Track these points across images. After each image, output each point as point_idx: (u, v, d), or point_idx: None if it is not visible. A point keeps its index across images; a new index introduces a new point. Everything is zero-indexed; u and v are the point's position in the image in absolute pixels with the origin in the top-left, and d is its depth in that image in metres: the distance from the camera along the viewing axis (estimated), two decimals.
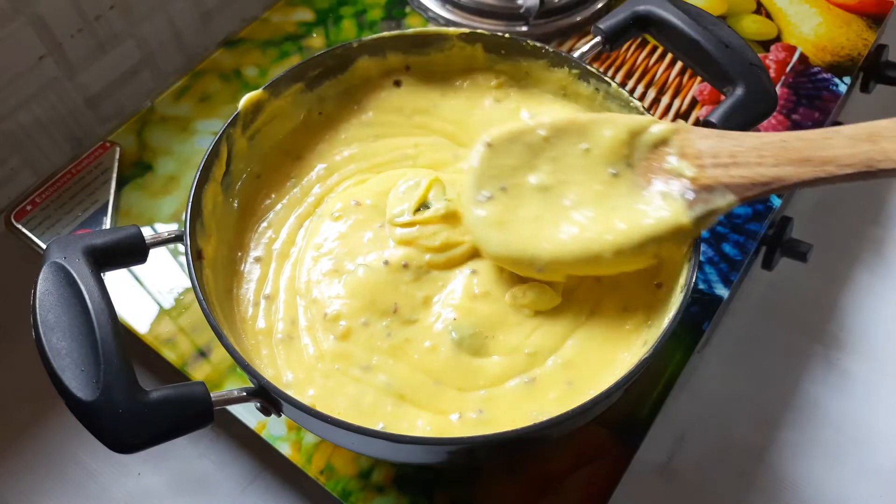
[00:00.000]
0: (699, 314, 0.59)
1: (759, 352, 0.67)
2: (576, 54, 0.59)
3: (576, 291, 0.52)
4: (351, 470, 0.53)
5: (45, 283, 0.43)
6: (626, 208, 0.49)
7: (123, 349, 0.42)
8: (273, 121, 0.59)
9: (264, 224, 0.56)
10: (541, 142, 0.51)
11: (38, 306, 0.42)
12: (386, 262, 0.52)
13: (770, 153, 0.45)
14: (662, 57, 0.74)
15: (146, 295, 0.61)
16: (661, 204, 0.48)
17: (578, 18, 0.76)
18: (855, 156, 0.43)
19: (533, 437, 0.44)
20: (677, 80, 0.73)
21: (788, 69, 0.73)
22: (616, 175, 0.49)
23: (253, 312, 0.52)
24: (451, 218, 0.53)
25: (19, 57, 0.66)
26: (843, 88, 0.72)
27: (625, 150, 0.50)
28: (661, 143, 0.49)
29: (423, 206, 0.54)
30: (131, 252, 0.48)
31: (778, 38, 0.76)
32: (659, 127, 0.50)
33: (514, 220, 0.50)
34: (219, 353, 0.58)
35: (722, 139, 0.48)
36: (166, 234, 0.50)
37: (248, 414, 0.55)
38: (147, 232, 0.49)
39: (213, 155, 0.54)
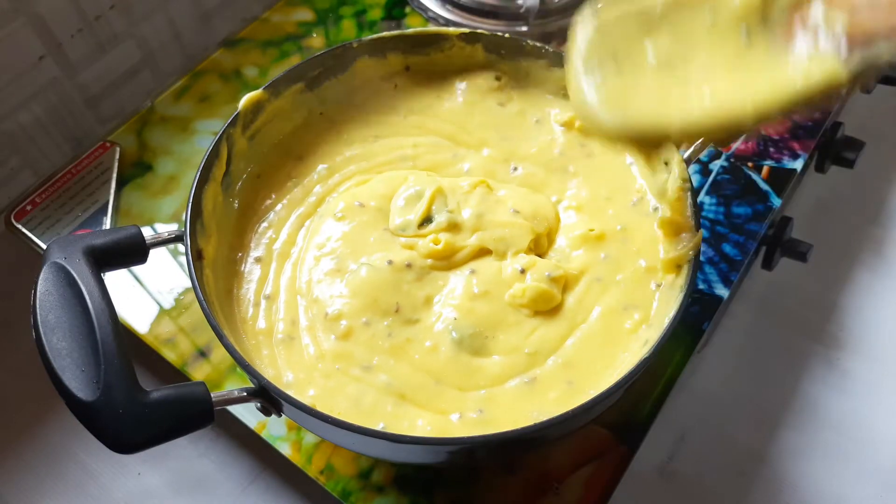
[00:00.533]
0: (699, 314, 0.59)
1: (759, 352, 0.67)
2: None
3: (576, 291, 0.52)
4: (351, 470, 0.53)
5: (45, 284, 0.43)
6: (768, 69, 0.43)
7: (124, 349, 0.42)
8: (273, 121, 0.59)
9: (265, 224, 0.56)
10: (657, 20, 0.46)
11: (38, 306, 0.42)
12: (390, 262, 0.52)
13: None
14: None
15: (146, 295, 0.61)
16: (810, 60, 0.41)
17: None
18: None
19: (533, 437, 0.44)
20: None
21: None
22: (751, 36, 0.43)
23: (253, 313, 0.52)
24: (453, 228, 0.53)
25: (19, 57, 0.66)
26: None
27: (759, 6, 0.43)
28: None
29: (427, 219, 0.54)
30: (131, 252, 0.48)
31: None
32: None
33: (633, 94, 0.45)
34: (219, 353, 0.58)
35: None
36: (166, 234, 0.50)
37: (248, 414, 0.55)
38: (147, 232, 0.49)
39: (214, 155, 0.54)
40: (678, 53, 0.45)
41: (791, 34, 0.43)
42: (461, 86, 0.63)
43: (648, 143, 0.46)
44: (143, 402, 0.41)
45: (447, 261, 0.53)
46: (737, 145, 0.68)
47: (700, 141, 0.46)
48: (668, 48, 0.45)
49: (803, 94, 0.41)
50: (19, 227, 0.64)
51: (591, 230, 0.54)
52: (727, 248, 0.62)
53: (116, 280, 0.61)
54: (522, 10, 0.75)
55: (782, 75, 0.42)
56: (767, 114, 0.42)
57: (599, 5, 0.47)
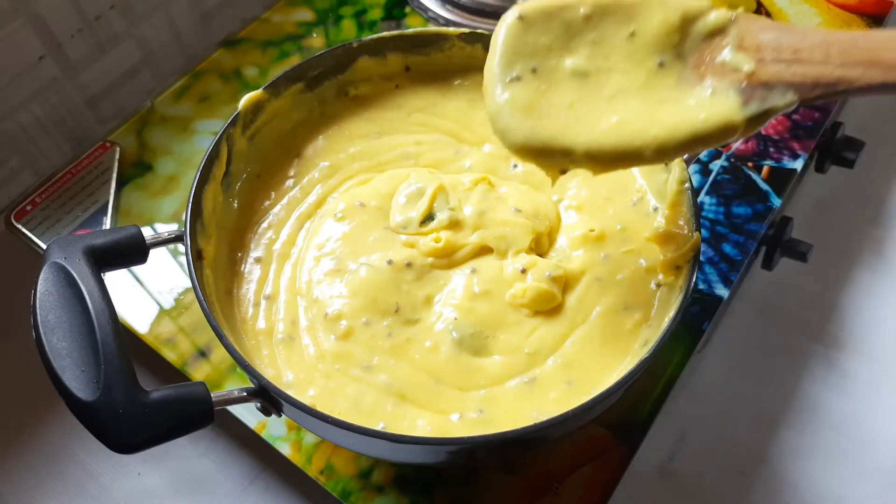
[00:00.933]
0: (699, 314, 0.59)
1: (759, 352, 0.67)
2: None
3: (576, 291, 0.52)
4: (351, 470, 0.53)
5: (45, 284, 0.43)
6: (673, 102, 0.44)
7: (124, 349, 0.42)
8: (273, 121, 0.59)
9: (264, 224, 0.56)
10: (581, 21, 0.46)
11: (38, 307, 0.42)
12: (390, 262, 0.52)
13: (837, 52, 0.41)
14: None
15: (146, 295, 0.61)
16: (712, 99, 0.43)
17: None
18: None
19: (533, 437, 0.44)
20: None
21: None
22: (663, 66, 0.45)
23: (253, 313, 0.52)
24: (455, 225, 0.53)
25: (19, 57, 0.66)
26: None
27: (675, 36, 0.45)
28: (718, 32, 0.44)
29: (428, 216, 0.54)
30: (131, 252, 0.48)
31: None
32: (716, 14, 0.45)
33: (546, 106, 0.45)
34: (219, 353, 0.58)
35: (785, 32, 0.43)
36: (166, 234, 0.50)
37: (248, 414, 0.55)
38: (147, 232, 0.49)
39: (214, 155, 0.54)
40: (595, 64, 0.46)
41: (701, 69, 0.44)
42: (463, 84, 0.63)
43: (551, 161, 0.45)
44: (143, 402, 0.41)
45: (448, 259, 0.53)
46: (737, 145, 0.68)
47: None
48: (587, 56, 0.46)
49: (701, 133, 0.43)
50: (19, 227, 0.64)
51: (592, 230, 0.54)
52: (727, 248, 0.62)
53: (116, 280, 0.61)
54: None
55: (685, 112, 0.44)
56: (666, 150, 0.43)
57: (525, 2, 0.47)
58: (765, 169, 0.66)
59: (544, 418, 0.43)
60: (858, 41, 0.41)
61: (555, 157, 0.45)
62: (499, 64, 0.46)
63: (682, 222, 0.53)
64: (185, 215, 0.50)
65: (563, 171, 0.46)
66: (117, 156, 0.68)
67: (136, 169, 0.67)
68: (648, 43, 0.46)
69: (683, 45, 0.45)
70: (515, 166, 0.58)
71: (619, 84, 0.45)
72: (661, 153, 0.44)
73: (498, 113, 0.46)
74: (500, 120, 0.46)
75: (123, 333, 0.43)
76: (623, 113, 0.44)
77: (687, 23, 0.45)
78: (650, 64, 0.45)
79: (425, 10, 0.78)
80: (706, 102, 0.43)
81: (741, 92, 0.43)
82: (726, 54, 0.44)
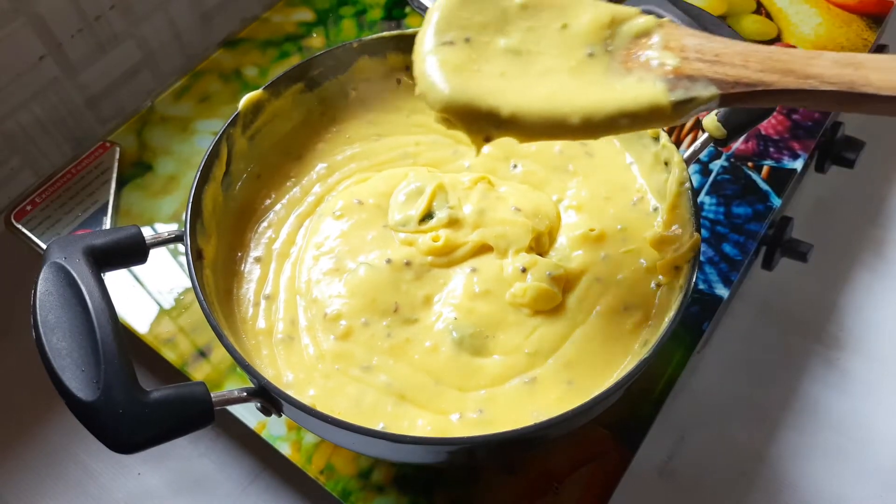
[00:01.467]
0: (699, 314, 0.59)
1: (759, 352, 0.67)
2: None
3: (576, 291, 0.52)
4: (351, 470, 0.53)
5: (45, 284, 0.43)
6: (602, 84, 0.46)
7: (124, 349, 0.42)
8: (273, 121, 0.59)
9: (264, 224, 0.56)
10: (517, 9, 0.48)
11: (38, 306, 0.42)
12: (389, 261, 0.52)
13: (756, 60, 0.44)
14: None
15: (146, 295, 0.61)
16: (639, 84, 0.45)
17: None
18: (838, 76, 0.42)
19: (533, 437, 0.44)
20: None
21: None
22: (593, 56, 0.47)
23: (253, 312, 0.52)
24: (454, 224, 0.53)
25: (19, 57, 0.66)
26: None
27: (605, 32, 0.47)
28: (644, 34, 0.47)
29: (427, 215, 0.54)
30: (131, 252, 0.48)
31: (778, 38, 0.76)
32: (644, 19, 0.47)
33: (476, 70, 0.46)
34: (219, 353, 0.58)
35: (709, 40, 0.46)
36: (166, 234, 0.50)
37: (248, 414, 0.55)
38: (147, 232, 0.49)
39: (213, 155, 0.54)
40: (527, 47, 0.47)
41: (628, 64, 0.46)
42: None
43: (474, 124, 0.45)
44: (143, 402, 0.41)
45: (447, 258, 0.53)
46: (737, 145, 0.68)
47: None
48: (519, 39, 0.47)
49: (629, 110, 0.44)
50: (19, 227, 0.64)
51: (592, 230, 0.54)
52: (727, 248, 0.62)
53: (116, 280, 0.61)
54: None
55: (614, 90, 0.45)
56: (593, 122, 0.44)
57: None
58: (765, 169, 0.66)
59: (544, 418, 0.43)
60: (775, 54, 0.44)
61: (479, 120, 0.45)
62: (433, 29, 0.47)
63: (681, 223, 0.53)
64: (185, 215, 0.50)
65: (487, 139, 0.46)
66: (117, 156, 0.68)
67: (136, 169, 0.67)
68: (579, 35, 0.47)
69: (612, 41, 0.47)
70: (515, 166, 0.58)
71: (551, 64, 0.46)
72: (587, 124, 0.44)
73: (426, 69, 0.46)
74: (428, 75, 0.46)
75: (123, 333, 0.43)
76: (553, 86, 0.45)
77: (616, 23, 0.47)
78: (580, 53, 0.47)
79: (425, 10, 0.78)
80: (634, 86, 0.45)
81: (667, 81, 0.44)
82: (652, 52, 0.46)
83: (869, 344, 0.67)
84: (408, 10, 0.79)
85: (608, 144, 0.59)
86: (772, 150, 0.68)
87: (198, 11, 0.79)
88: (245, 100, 0.56)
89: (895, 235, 0.74)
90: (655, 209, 0.55)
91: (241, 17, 0.82)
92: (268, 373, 0.49)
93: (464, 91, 0.45)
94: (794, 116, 0.70)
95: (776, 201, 0.65)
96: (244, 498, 0.60)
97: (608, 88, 0.45)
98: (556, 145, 0.59)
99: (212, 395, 0.43)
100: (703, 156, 0.67)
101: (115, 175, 0.67)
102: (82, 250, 0.45)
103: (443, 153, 0.59)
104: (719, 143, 0.54)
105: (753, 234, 0.63)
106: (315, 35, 0.77)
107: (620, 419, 0.54)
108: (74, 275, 0.44)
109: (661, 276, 0.52)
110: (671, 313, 0.47)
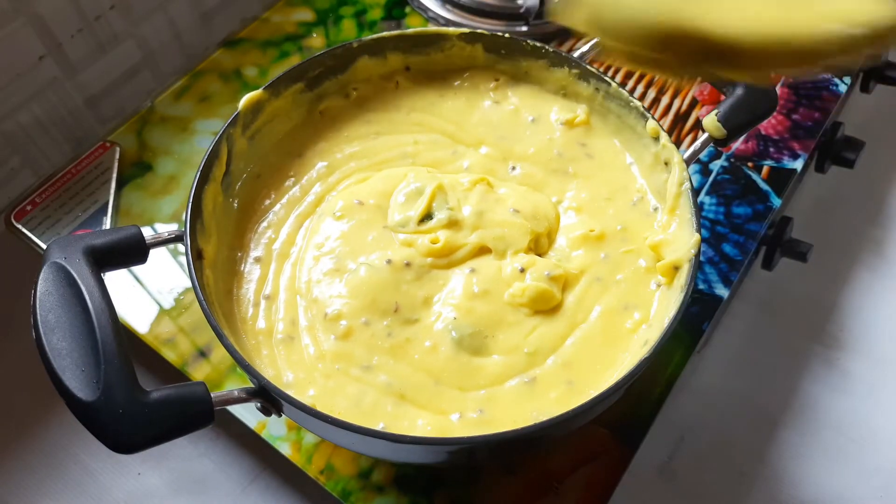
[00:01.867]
0: (699, 314, 0.59)
1: (759, 352, 0.67)
2: (576, 54, 0.59)
3: (575, 291, 0.52)
4: (351, 470, 0.53)
5: (45, 284, 0.43)
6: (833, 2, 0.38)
7: (124, 349, 0.41)
8: (273, 121, 0.59)
9: (264, 224, 0.56)
10: None
11: (38, 306, 0.42)
12: (389, 261, 0.52)
13: None
14: None
15: (146, 295, 0.61)
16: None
17: None
18: None
19: (533, 437, 0.44)
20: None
21: None
22: None
23: (253, 312, 0.52)
24: (453, 225, 0.53)
25: (19, 57, 0.66)
26: (843, 88, 0.72)
27: None
28: None
29: (427, 216, 0.54)
30: (131, 252, 0.48)
31: None
32: None
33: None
34: (219, 353, 0.58)
35: None
36: (166, 234, 0.50)
37: (248, 414, 0.55)
38: (147, 232, 0.49)
39: (213, 155, 0.54)
40: None
41: None
42: (461, 85, 0.63)
43: (675, 55, 0.37)
44: (144, 402, 0.41)
45: (447, 259, 0.53)
46: (737, 145, 0.68)
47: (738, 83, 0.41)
48: None
49: (868, 32, 0.36)
50: (19, 227, 0.64)
51: (592, 230, 0.54)
52: (727, 248, 0.62)
53: (116, 280, 0.61)
54: (522, 10, 0.75)
55: (847, 8, 0.37)
56: (830, 41, 0.36)
57: None
58: (765, 169, 0.66)
59: (544, 418, 0.43)
60: None
61: (684, 49, 0.37)
62: None
63: (681, 223, 0.53)
64: (185, 215, 0.50)
65: (692, 77, 0.40)
66: (117, 156, 0.68)
67: (136, 169, 0.67)
68: None
69: None
70: (514, 168, 0.58)
71: None
72: (820, 45, 0.36)
73: None
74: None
75: (123, 333, 0.43)
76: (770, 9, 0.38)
77: None
78: None
79: (425, 10, 0.78)
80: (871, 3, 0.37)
81: None
82: None
83: (869, 344, 0.67)
84: (408, 10, 0.79)
85: (608, 145, 0.59)
86: (772, 150, 0.68)
87: (198, 11, 0.79)
88: (245, 100, 0.56)
89: (895, 235, 0.74)
90: (655, 209, 0.55)
91: (241, 17, 0.82)
92: (268, 373, 0.49)
93: (661, 13, 0.37)
94: (794, 116, 0.70)
95: (776, 201, 0.65)
96: (244, 498, 0.60)
97: (842, 5, 0.37)
98: (555, 148, 0.59)
99: (212, 395, 0.43)
100: (703, 156, 0.67)
101: (115, 175, 0.67)
102: (82, 250, 0.45)
103: (442, 153, 0.59)
104: (719, 143, 0.54)
105: (753, 234, 0.63)
106: (315, 35, 0.77)
107: (620, 419, 0.54)
108: (74, 275, 0.44)
109: (661, 277, 0.52)
110: (671, 313, 0.47)
